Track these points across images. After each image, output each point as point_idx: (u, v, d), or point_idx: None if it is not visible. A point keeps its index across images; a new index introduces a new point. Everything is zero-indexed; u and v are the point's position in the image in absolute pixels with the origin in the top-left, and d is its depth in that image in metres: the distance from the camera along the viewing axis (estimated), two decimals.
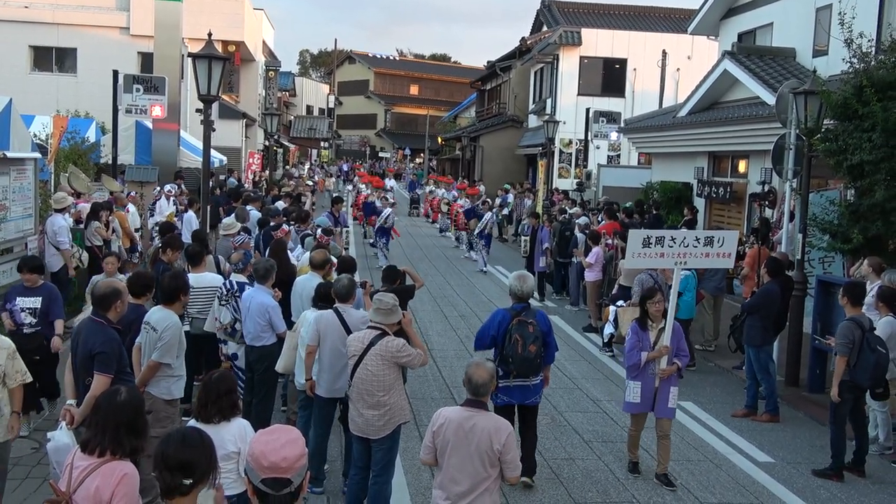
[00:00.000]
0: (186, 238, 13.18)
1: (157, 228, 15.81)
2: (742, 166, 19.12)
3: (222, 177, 28.16)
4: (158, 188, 19.43)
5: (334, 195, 23.19)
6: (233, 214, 13.76)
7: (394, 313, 6.64)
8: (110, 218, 14.90)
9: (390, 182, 39.26)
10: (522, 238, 17.84)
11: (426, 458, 5.41)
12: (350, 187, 37.93)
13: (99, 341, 6.05)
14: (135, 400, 4.30)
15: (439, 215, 31.71)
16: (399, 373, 6.68)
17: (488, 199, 25.28)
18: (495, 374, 5.56)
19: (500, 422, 5.31)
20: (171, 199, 18.02)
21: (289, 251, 11.71)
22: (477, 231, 21.90)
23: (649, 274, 11.68)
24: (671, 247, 7.89)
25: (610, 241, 15.12)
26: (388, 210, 22.18)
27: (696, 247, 8.01)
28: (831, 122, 12.04)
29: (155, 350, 6.75)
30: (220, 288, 8.98)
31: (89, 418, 4.39)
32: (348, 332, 7.25)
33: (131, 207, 16.62)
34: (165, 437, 3.63)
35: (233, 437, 5.21)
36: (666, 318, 8.12)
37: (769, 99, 15.55)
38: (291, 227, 14.33)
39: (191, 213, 16.79)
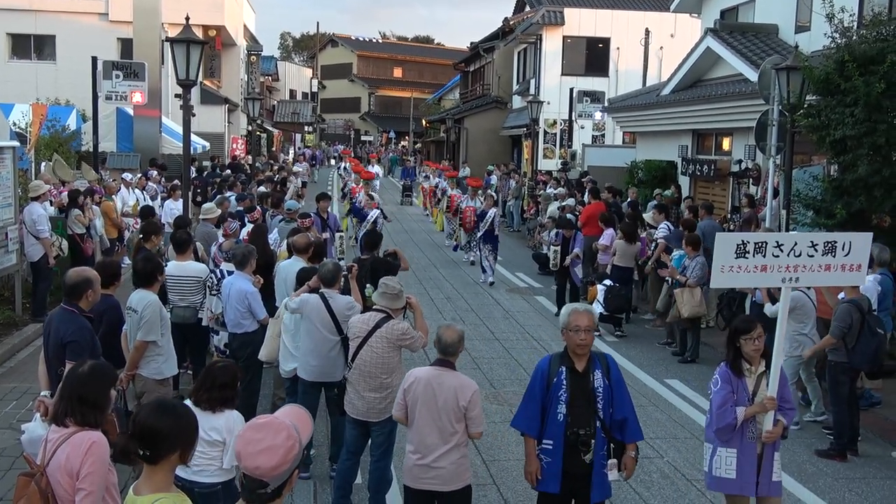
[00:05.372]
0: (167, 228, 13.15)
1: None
2: (726, 144, 19.14)
3: (206, 162, 27.99)
4: (140, 175, 19.27)
5: (318, 192, 18.01)
6: (213, 201, 13.68)
7: (399, 298, 6.69)
8: (94, 206, 14.78)
9: (375, 168, 37.25)
10: (553, 248, 15.03)
11: (398, 415, 5.80)
12: (339, 173, 35.93)
13: (70, 330, 5.99)
14: (96, 373, 4.28)
15: (438, 212, 27.59)
16: (401, 356, 6.73)
17: (492, 194, 20.52)
18: (463, 336, 5.78)
19: (466, 380, 5.62)
20: (135, 188, 17.75)
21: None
22: (480, 233, 18.03)
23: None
24: (776, 256, 5.64)
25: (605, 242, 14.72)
26: (374, 211, 17.71)
27: (811, 256, 5.68)
28: (814, 97, 12.05)
29: (139, 330, 6.90)
30: (211, 277, 8.97)
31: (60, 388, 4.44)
32: (333, 317, 7.24)
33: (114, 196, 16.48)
34: (146, 403, 3.61)
35: (220, 426, 5.20)
36: (767, 359, 5.90)
37: (752, 76, 15.55)
38: (267, 211, 14.29)
39: (171, 202, 16.59)
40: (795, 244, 5.68)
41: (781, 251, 5.63)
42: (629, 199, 18.79)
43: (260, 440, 2.96)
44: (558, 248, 14.63)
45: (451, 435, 5.49)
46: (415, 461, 5.56)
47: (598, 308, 13.12)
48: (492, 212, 17.96)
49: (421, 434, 5.54)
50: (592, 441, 5.38)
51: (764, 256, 5.61)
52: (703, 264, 11.76)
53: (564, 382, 5.42)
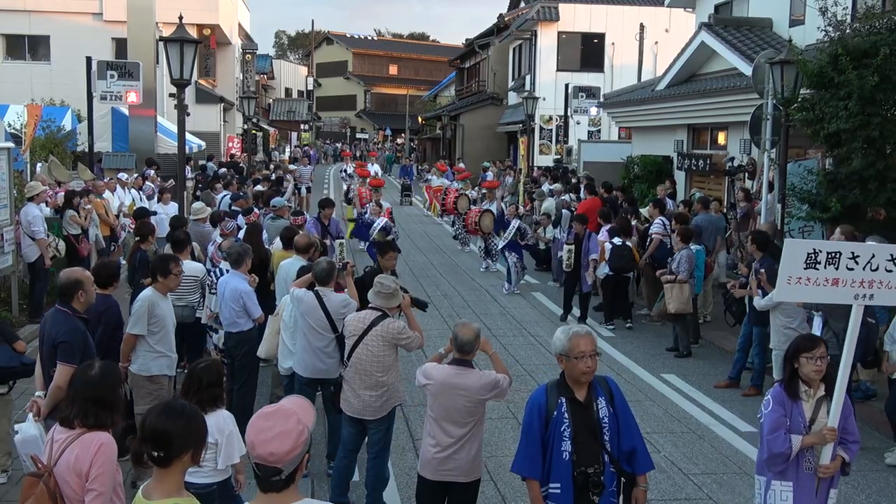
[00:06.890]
0: (160, 232, 13.08)
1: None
2: (721, 138, 19.16)
3: (202, 162, 27.96)
4: (136, 175, 19.24)
5: (322, 198, 15.71)
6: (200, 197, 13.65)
7: (395, 297, 6.69)
8: (87, 206, 14.74)
9: (373, 168, 36.28)
10: (566, 248, 13.85)
11: (419, 386, 5.91)
12: (342, 174, 34.85)
13: (62, 331, 6.01)
14: (108, 375, 4.37)
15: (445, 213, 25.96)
16: (397, 354, 6.74)
17: (516, 205, 19.04)
18: (480, 333, 5.80)
19: (488, 376, 5.72)
20: (131, 188, 17.65)
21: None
22: (502, 244, 16.74)
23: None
24: (851, 269, 4.97)
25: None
26: (381, 220, 16.74)
27: (890, 271, 5.01)
28: (808, 91, 12.07)
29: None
30: (210, 276, 9.00)
31: (67, 391, 4.49)
32: (327, 314, 7.27)
33: (108, 195, 16.42)
34: (153, 406, 3.70)
35: (211, 426, 5.19)
36: (829, 383, 5.23)
37: (746, 70, 15.56)
38: (260, 210, 14.25)
39: (159, 206, 16.39)
40: (873, 256, 5.01)
41: (857, 263, 4.97)
42: (657, 196, 17.78)
43: (271, 427, 3.03)
44: (572, 246, 13.67)
45: (471, 426, 5.66)
46: (434, 453, 5.67)
47: (604, 269, 13.17)
48: (515, 222, 16.69)
49: (441, 427, 5.66)
50: (603, 478, 4.79)
51: (836, 269, 4.96)
52: (688, 257, 11.78)
53: (566, 415, 4.81)
